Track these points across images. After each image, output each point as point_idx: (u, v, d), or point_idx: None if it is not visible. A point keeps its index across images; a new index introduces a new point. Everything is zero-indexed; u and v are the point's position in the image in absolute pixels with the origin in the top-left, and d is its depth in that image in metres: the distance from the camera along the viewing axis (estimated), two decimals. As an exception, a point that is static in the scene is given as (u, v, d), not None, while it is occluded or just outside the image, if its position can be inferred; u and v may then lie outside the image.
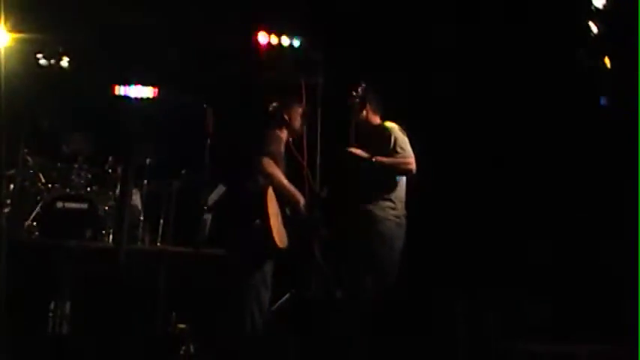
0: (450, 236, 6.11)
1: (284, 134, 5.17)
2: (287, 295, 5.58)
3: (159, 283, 5.90)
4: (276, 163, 4.97)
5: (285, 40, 5.98)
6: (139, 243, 6.40)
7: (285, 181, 4.96)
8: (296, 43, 5.86)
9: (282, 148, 5.12)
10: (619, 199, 5.66)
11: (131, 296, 5.71)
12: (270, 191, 4.89)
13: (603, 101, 6.04)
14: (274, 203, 4.92)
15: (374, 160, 5.20)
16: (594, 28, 5.80)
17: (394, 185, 5.26)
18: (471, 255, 6.06)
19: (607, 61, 5.86)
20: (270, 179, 4.91)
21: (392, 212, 5.21)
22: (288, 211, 5.04)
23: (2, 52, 5.95)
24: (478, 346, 5.06)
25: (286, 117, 5.18)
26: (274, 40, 6.04)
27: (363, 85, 5.35)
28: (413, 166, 5.22)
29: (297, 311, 5.51)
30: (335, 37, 6.10)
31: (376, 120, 5.43)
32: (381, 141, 5.27)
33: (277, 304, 5.53)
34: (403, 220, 5.26)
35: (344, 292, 5.39)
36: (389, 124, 5.36)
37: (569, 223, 5.95)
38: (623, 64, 5.72)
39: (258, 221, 4.82)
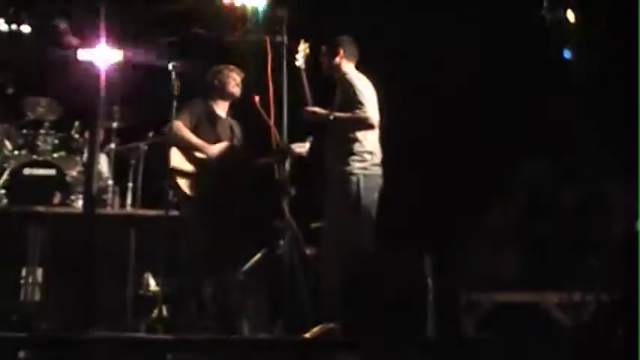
0: (417, 190, 6.14)
1: (214, 99, 5.67)
2: (259, 254, 5.63)
3: (129, 246, 5.91)
4: (198, 126, 5.55)
5: (250, 2, 5.93)
6: (107, 207, 6.38)
7: (194, 140, 5.50)
8: (260, 2, 5.82)
9: (209, 112, 5.64)
10: (584, 150, 5.71)
11: (102, 260, 5.71)
12: (175, 151, 5.46)
13: (567, 54, 6.07)
14: (183, 160, 5.47)
15: (331, 117, 5.22)
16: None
17: (358, 139, 5.26)
18: (438, 209, 6.11)
19: (570, 13, 5.88)
20: (180, 141, 5.47)
21: (358, 165, 5.21)
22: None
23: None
24: (446, 298, 5.13)
25: (216, 83, 5.66)
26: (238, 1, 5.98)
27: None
28: (373, 121, 5.22)
29: (270, 269, 5.55)
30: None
31: (349, 67, 5.41)
32: (345, 93, 5.28)
33: (250, 263, 5.58)
34: (374, 170, 5.26)
35: (317, 249, 5.44)
36: (353, 76, 5.35)
37: (534, 174, 6.02)
38: (585, 16, 5.75)
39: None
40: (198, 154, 5.52)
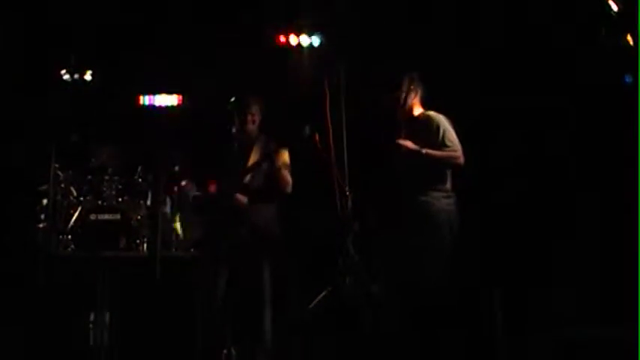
0: (483, 226, 6.07)
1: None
2: (324, 293, 5.61)
3: (195, 287, 5.94)
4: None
5: (305, 40, 5.99)
6: (172, 250, 6.45)
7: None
8: (315, 41, 5.87)
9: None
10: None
11: (168, 302, 5.77)
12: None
13: (628, 79, 5.99)
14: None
15: (424, 152, 5.14)
16: (614, 7, 5.76)
17: (444, 176, 5.21)
18: (506, 244, 6.03)
19: (629, 38, 5.80)
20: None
21: (445, 201, 5.15)
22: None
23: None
24: (517, 336, 5.05)
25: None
26: (294, 40, 6.05)
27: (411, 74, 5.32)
28: (462, 160, 5.13)
29: (335, 308, 5.53)
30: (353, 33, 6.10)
31: (419, 109, 5.35)
32: (427, 132, 5.18)
33: (315, 302, 5.56)
34: (455, 208, 5.21)
35: (390, 286, 5.36)
36: (435, 114, 5.27)
37: (600, 204, 5.91)
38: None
39: None
40: None
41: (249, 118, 5.30)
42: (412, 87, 5.27)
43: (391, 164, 5.29)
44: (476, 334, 4.80)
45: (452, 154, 5.09)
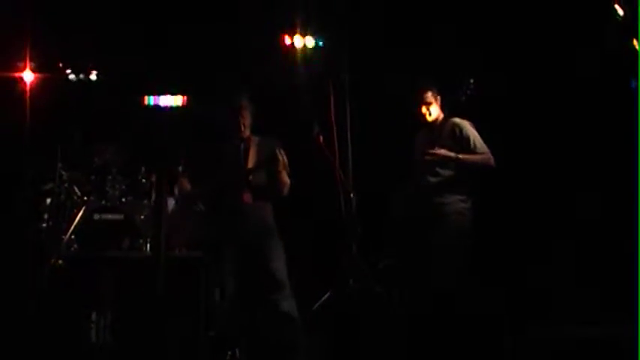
0: (489, 224, 6.07)
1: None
2: (327, 295, 5.61)
3: (199, 288, 5.94)
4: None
5: (310, 41, 5.99)
6: (176, 250, 6.43)
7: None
8: (320, 43, 5.88)
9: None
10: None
11: (172, 302, 5.76)
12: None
13: (633, 84, 5.99)
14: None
15: (460, 158, 5.21)
16: (620, 11, 5.77)
17: (467, 180, 5.25)
18: (511, 241, 6.03)
19: (635, 43, 5.80)
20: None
21: (462, 205, 5.23)
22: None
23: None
24: (519, 333, 5.04)
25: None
26: (299, 41, 6.05)
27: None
28: (493, 162, 5.24)
29: (338, 309, 5.53)
30: (359, 35, 6.11)
31: (441, 114, 5.42)
32: (453, 138, 5.27)
33: (318, 304, 5.57)
34: (470, 213, 5.26)
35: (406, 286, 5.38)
36: (460, 120, 5.36)
37: (607, 205, 5.91)
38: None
39: None
40: None
41: (240, 119, 5.41)
42: (436, 93, 5.36)
43: (411, 165, 5.35)
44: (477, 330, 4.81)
45: (485, 157, 5.19)
